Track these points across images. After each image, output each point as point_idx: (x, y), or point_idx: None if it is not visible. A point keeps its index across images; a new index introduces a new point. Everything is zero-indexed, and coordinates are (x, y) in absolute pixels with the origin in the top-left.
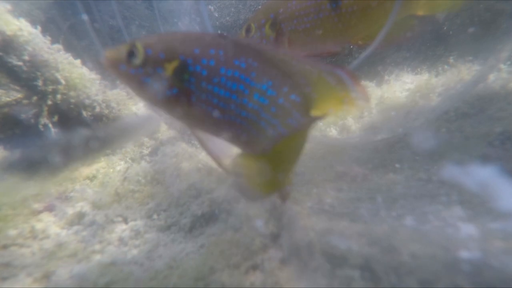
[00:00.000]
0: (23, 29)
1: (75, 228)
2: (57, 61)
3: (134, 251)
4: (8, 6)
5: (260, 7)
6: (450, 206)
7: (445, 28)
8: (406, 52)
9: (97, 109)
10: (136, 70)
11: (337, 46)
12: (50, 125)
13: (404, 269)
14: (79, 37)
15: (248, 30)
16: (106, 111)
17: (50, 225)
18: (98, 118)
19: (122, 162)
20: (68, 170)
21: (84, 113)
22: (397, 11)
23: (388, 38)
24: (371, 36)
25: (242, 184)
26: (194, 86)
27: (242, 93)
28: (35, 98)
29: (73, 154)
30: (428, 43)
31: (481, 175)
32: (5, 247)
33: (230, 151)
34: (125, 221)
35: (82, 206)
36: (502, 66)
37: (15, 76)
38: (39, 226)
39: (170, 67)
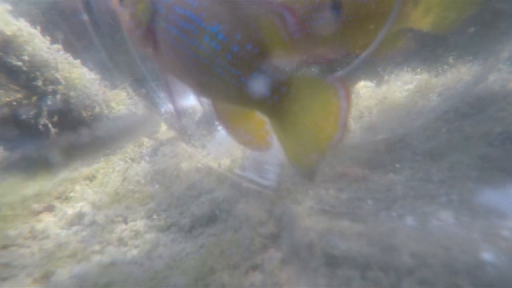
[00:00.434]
0: (22, 29)
1: (75, 228)
2: (56, 61)
3: (134, 251)
4: (8, 7)
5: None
6: (450, 206)
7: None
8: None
9: (97, 109)
10: (120, 6)
11: (335, 53)
12: (50, 125)
13: (404, 269)
14: (79, 37)
15: None
16: (106, 111)
17: (50, 225)
18: (98, 118)
19: (122, 162)
20: (68, 170)
21: (84, 113)
22: (395, 16)
23: (379, 51)
24: (368, 46)
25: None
26: (156, 24)
27: (192, 33)
28: (35, 98)
29: (73, 154)
30: (428, 43)
31: None
32: (5, 247)
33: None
34: (125, 221)
35: (82, 206)
36: (502, 66)
37: (14, 76)
38: (38, 226)
39: (140, 5)
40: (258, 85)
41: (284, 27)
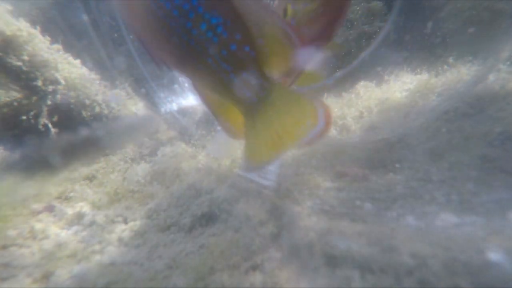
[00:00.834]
0: (22, 29)
1: (75, 228)
2: (56, 61)
3: (134, 251)
4: (8, 7)
5: None
6: (450, 206)
7: (445, 28)
8: (406, 52)
9: (97, 109)
10: None
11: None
12: (50, 125)
13: (404, 269)
14: (79, 37)
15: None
16: (106, 111)
17: (50, 226)
18: (98, 118)
19: (122, 162)
20: (67, 170)
21: (84, 113)
22: (396, 15)
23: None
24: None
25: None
26: None
27: (186, 14)
28: (35, 98)
29: (73, 154)
30: (428, 43)
31: None
32: (4, 247)
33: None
34: (125, 221)
35: (82, 206)
36: (502, 66)
37: (14, 76)
38: (38, 226)
39: None
40: (243, 85)
41: (288, 48)
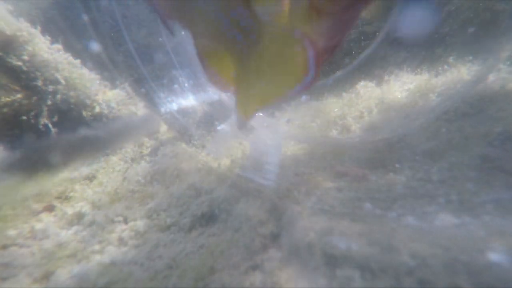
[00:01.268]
0: (22, 29)
1: (75, 228)
2: (56, 61)
3: (134, 251)
4: (9, 6)
5: None
6: (450, 206)
7: (445, 28)
8: (406, 52)
9: (97, 109)
10: None
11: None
12: (50, 125)
13: (404, 269)
14: (79, 37)
15: None
16: (106, 111)
17: (50, 225)
18: (98, 118)
19: (122, 162)
20: (68, 170)
21: (84, 113)
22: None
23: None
24: None
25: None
26: None
27: None
28: (35, 98)
29: (73, 154)
30: (428, 43)
31: None
32: (4, 247)
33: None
34: (125, 221)
35: (82, 206)
36: (502, 66)
37: (15, 76)
38: (38, 226)
39: None
40: (232, 26)
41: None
